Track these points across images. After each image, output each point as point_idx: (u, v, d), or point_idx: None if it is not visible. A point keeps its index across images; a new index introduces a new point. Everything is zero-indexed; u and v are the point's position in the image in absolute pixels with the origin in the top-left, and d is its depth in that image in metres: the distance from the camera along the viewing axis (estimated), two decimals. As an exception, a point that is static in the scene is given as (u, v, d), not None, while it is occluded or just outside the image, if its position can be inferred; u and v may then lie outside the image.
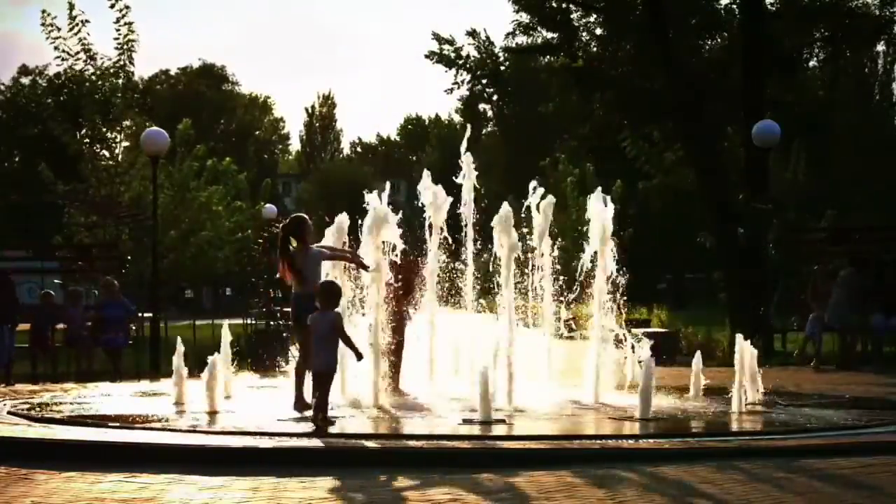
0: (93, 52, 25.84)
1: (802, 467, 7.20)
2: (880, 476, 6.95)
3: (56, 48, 25.40)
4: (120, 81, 26.20)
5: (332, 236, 11.80)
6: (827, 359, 17.51)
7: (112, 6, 25.30)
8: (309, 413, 9.76)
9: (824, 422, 9.61)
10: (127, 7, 25.35)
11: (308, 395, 10.24)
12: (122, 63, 26.06)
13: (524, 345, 11.30)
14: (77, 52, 25.68)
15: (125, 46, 25.75)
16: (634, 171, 31.72)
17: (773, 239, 23.08)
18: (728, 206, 24.85)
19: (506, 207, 11.24)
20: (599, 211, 11.57)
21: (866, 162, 39.89)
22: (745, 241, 23.45)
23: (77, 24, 25.26)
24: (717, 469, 7.11)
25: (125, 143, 27.64)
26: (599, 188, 11.94)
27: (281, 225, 11.48)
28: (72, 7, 25.12)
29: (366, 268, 11.00)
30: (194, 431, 9.20)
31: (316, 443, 8.45)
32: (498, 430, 9.05)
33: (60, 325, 18.42)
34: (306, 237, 10.92)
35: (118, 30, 25.55)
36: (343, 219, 11.84)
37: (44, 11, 24.99)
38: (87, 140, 26.92)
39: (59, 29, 25.24)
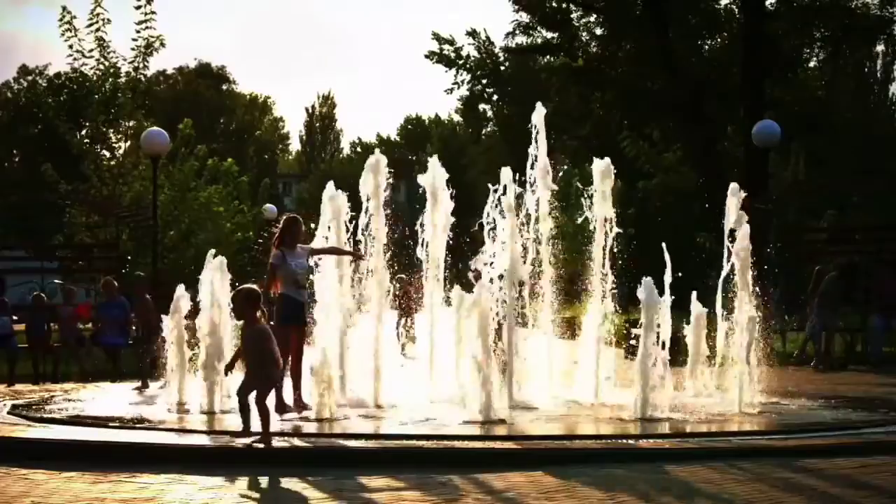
0: (108, 52, 25.81)
1: (802, 467, 7.20)
2: (880, 476, 6.95)
3: (70, 46, 25.39)
4: (121, 80, 26.13)
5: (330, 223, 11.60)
6: (826, 359, 17.53)
7: (137, 8, 25.32)
8: (290, 415, 9.81)
9: (824, 422, 9.61)
10: (153, 12, 25.40)
11: (288, 397, 10.26)
12: (136, 64, 26.07)
13: (525, 344, 11.29)
14: (91, 51, 25.65)
15: (144, 50, 25.71)
16: (634, 171, 31.71)
17: (773, 239, 23.06)
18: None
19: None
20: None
21: (866, 161, 39.82)
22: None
23: (97, 22, 25.21)
24: (717, 469, 7.12)
25: (127, 143, 27.58)
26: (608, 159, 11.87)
27: None
28: (97, 3, 25.08)
29: (360, 257, 11.08)
30: (194, 431, 9.20)
31: (316, 443, 8.46)
32: (498, 430, 9.05)
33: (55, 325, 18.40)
34: (284, 237, 10.73)
35: (138, 31, 25.57)
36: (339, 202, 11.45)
37: (64, 8, 25.00)
38: (87, 140, 26.88)
39: (76, 29, 25.21)
